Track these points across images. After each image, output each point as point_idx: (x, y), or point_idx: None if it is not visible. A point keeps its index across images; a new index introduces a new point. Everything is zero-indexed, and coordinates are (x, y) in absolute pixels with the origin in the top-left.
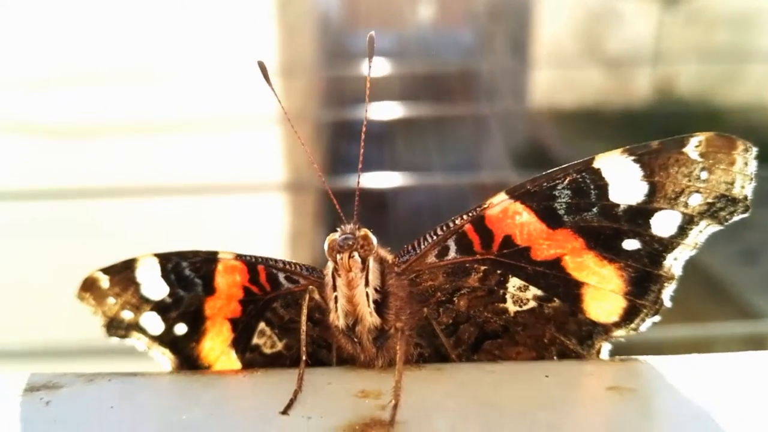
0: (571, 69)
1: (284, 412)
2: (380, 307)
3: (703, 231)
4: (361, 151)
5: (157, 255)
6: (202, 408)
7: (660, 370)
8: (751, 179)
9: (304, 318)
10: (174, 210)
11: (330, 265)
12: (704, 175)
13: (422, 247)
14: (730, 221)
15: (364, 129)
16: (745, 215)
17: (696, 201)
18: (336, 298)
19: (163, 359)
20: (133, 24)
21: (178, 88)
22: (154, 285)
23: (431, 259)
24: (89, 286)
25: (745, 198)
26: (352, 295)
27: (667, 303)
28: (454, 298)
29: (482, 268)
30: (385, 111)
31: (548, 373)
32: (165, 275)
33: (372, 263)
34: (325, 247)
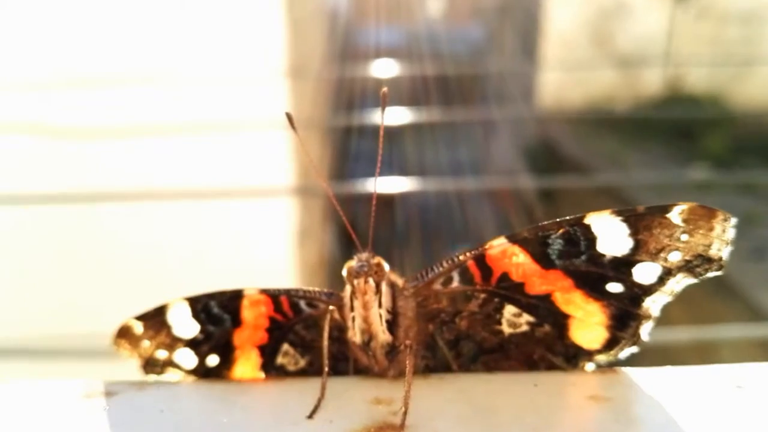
0: (582, 67)
1: (310, 416)
2: (391, 325)
3: (679, 282)
4: (374, 191)
5: (186, 298)
6: (239, 411)
7: (635, 380)
8: (728, 244)
9: (326, 335)
10: (180, 213)
11: (348, 288)
12: (684, 237)
13: (429, 275)
14: (704, 276)
15: (378, 164)
16: (719, 273)
17: (675, 257)
18: (353, 317)
19: None
20: (140, 25)
21: (186, 90)
22: (185, 325)
23: (437, 286)
24: (124, 333)
25: (720, 259)
26: (367, 315)
27: (645, 338)
28: (456, 319)
29: (482, 296)
30: (394, 115)
31: (537, 382)
32: (195, 315)
33: (384, 287)
34: (344, 273)
